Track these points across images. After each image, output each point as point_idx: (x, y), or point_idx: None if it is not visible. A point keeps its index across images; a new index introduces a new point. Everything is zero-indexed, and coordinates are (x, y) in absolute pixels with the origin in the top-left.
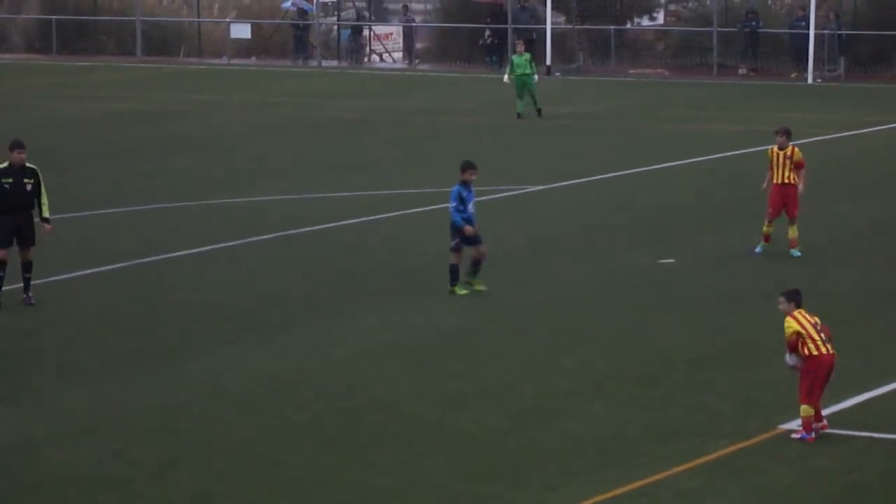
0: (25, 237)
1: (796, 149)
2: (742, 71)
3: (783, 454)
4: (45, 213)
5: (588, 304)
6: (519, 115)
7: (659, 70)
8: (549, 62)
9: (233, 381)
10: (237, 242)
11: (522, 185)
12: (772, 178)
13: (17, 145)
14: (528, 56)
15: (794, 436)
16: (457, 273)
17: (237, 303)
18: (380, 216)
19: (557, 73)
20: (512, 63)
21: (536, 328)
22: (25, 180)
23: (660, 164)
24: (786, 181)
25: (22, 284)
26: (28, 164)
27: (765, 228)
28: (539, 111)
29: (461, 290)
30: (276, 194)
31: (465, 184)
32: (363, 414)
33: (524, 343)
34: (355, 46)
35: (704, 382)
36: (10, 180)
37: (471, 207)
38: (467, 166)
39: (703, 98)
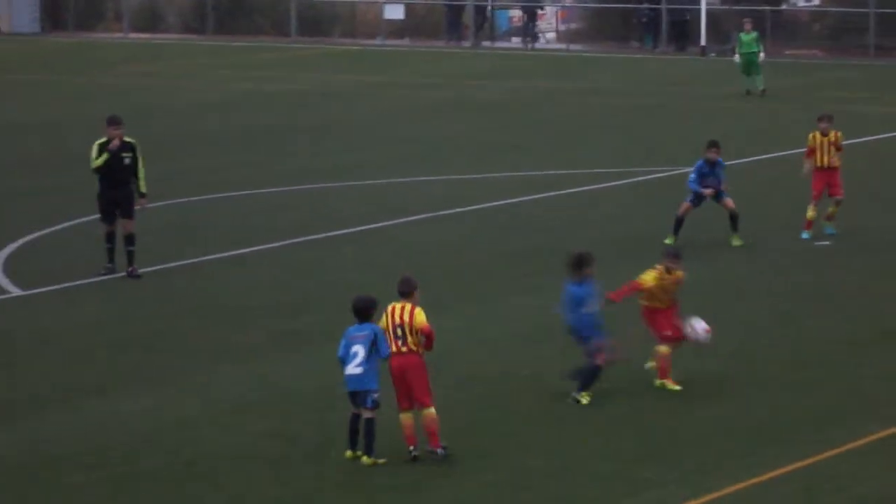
0: (125, 211)
1: (839, 133)
2: None
3: None
4: (142, 188)
5: (742, 285)
6: (748, 92)
7: (814, 51)
8: (703, 42)
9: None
10: (388, 223)
11: (675, 165)
12: (815, 163)
13: (113, 122)
14: (754, 34)
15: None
16: (679, 224)
17: (390, 283)
18: (533, 196)
19: (712, 54)
20: (739, 41)
21: (686, 308)
22: (123, 155)
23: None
24: (828, 165)
25: (126, 258)
26: (126, 139)
27: (809, 214)
28: (763, 90)
29: (668, 239)
30: (427, 175)
31: (708, 160)
32: (516, 395)
33: None
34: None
35: (859, 366)
36: (109, 156)
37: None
38: (709, 145)
39: (857, 80)
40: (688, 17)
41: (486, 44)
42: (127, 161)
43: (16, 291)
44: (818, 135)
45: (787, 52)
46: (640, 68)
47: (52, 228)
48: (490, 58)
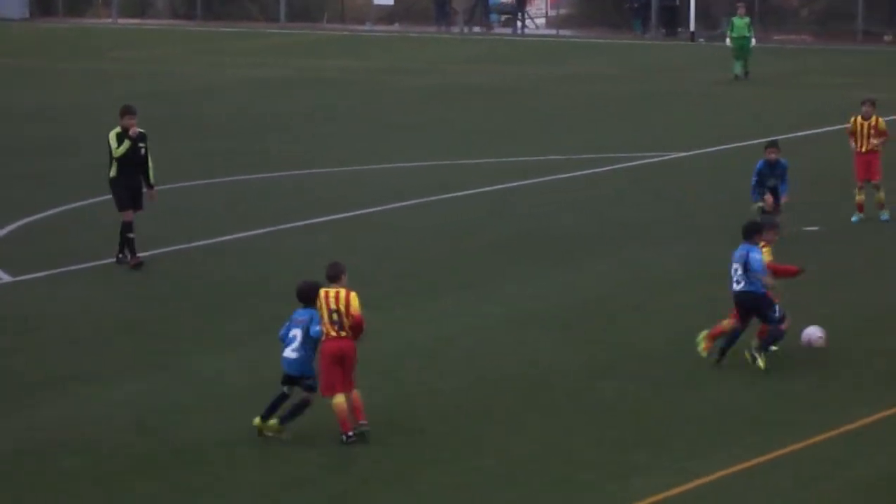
0: (136, 201)
1: (880, 119)
2: (888, 38)
3: None
4: (152, 179)
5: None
6: (736, 77)
7: (803, 36)
8: (692, 28)
9: (374, 348)
10: (376, 209)
11: (665, 151)
12: (857, 148)
13: (128, 111)
14: (747, 19)
15: None
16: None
17: (381, 269)
18: (521, 183)
19: (701, 39)
20: (732, 25)
21: (680, 295)
22: (140, 144)
23: (803, 131)
24: (869, 149)
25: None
26: (140, 130)
27: (857, 198)
28: (746, 73)
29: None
30: (416, 161)
31: (768, 161)
32: (507, 382)
33: (668, 310)
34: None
35: (852, 351)
36: (129, 145)
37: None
38: (768, 145)
39: (846, 65)
40: (677, 3)
41: (477, 29)
42: (143, 151)
43: (5, 278)
44: (859, 118)
45: (776, 38)
46: (629, 54)
47: (42, 214)
48: (479, 43)
